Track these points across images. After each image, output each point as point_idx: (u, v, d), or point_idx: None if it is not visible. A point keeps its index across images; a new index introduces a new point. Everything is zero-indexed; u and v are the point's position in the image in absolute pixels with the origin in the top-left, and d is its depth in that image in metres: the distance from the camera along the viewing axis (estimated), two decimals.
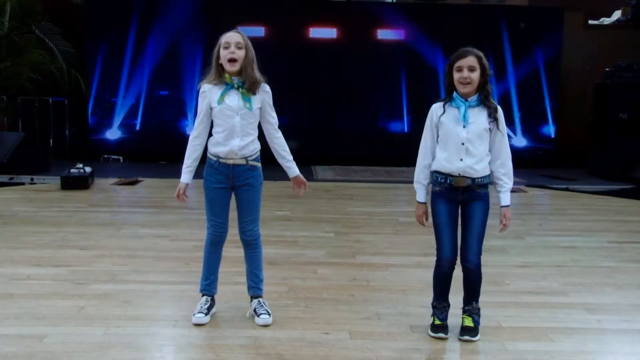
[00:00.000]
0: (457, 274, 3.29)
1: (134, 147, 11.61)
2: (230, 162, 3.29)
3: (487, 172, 3.25)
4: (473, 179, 3.20)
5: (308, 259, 4.84)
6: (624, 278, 4.45)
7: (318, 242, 5.38)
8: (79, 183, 7.92)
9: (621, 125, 10.49)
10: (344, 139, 11.48)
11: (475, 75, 3.10)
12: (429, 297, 3.89)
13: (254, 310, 3.44)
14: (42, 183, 8.53)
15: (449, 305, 3.33)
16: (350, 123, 11.60)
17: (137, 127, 11.69)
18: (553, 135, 11.78)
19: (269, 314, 3.40)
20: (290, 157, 3.50)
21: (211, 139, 3.35)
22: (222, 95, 3.23)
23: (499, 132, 3.18)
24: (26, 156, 9.14)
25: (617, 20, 12.05)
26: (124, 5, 11.39)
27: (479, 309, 3.28)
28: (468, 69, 3.09)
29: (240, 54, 3.20)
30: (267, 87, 3.36)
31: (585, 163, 10.87)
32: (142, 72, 11.43)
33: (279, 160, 3.52)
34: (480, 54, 3.19)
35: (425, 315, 3.59)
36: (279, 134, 3.46)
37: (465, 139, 3.13)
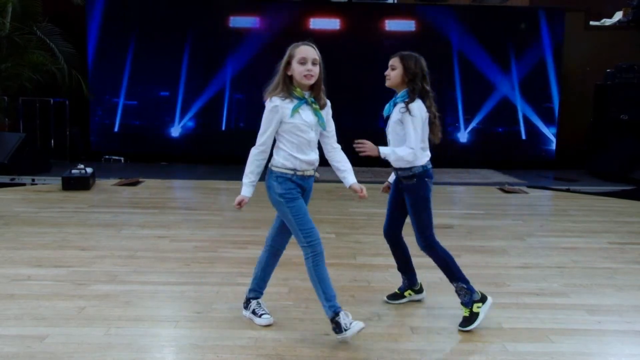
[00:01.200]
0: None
1: (135, 148, 11.63)
2: (307, 174, 3.27)
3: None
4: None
5: None
6: (625, 279, 4.45)
7: None
8: (79, 184, 7.93)
9: (622, 126, 10.50)
10: (345, 140, 11.45)
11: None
12: (429, 298, 3.90)
13: (253, 311, 3.48)
14: (43, 184, 8.54)
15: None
16: (351, 123, 11.60)
17: (138, 128, 11.71)
18: (554, 136, 11.78)
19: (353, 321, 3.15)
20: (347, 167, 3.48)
21: (280, 152, 3.23)
22: (296, 109, 3.14)
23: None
24: (27, 157, 9.15)
25: (618, 21, 12.06)
26: (124, 6, 11.42)
27: (461, 289, 3.41)
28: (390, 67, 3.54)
29: (316, 70, 3.15)
30: (329, 103, 3.35)
31: (586, 164, 10.87)
32: (143, 73, 11.46)
33: (338, 169, 3.51)
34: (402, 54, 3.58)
35: (425, 316, 3.60)
36: (338, 146, 3.49)
37: None
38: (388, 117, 3.63)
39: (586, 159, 10.93)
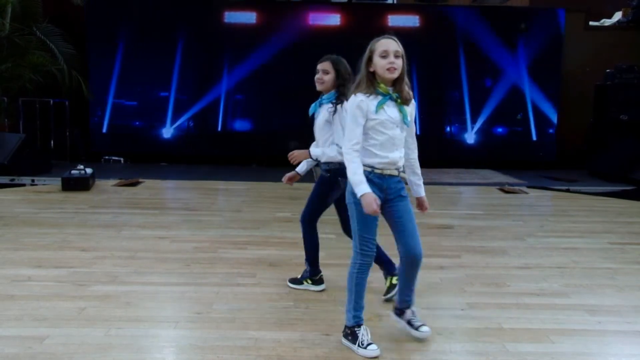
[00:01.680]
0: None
1: (135, 149, 11.63)
2: (387, 172, 3.08)
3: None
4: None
5: None
6: (625, 279, 4.45)
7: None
8: (79, 184, 7.93)
9: (622, 126, 10.51)
10: None
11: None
12: (429, 298, 3.90)
13: (409, 321, 3.25)
14: (43, 184, 8.54)
15: None
16: None
17: (138, 129, 11.71)
18: (554, 137, 11.78)
19: (425, 324, 3.20)
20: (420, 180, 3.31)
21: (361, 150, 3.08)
22: (381, 105, 3.00)
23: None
24: (27, 157, 9.15)
25: (618, 21, 12.07)
26: (124, 6, 11.42)
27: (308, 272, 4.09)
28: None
29: (399, 63, 2.98)
30: (413, 101, 3.13)
31: (586, 164, 10.87)
32: (143, 73, 11.46)
33: (410, 176, 3.32)
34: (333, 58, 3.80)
35: (426, 316, 3.59)
36: (416, 151, 3.28)
37: None
38: (313, 116, 3.95)
39: (586, 159, 10.94)
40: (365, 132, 3.02)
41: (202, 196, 8.08)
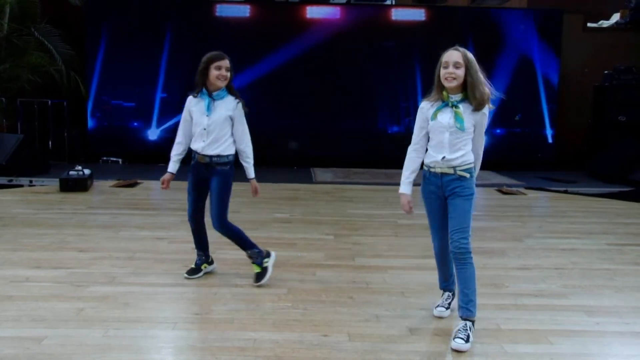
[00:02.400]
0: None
1: (133, 149, 11.61)
2: (438, 170, 3.35)
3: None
4: None
5: (307, 261, 4.84)
6: (624, 280, 4.45)
7: (317, 245, 5.38)
8: (78, 185, 7.92)
9: (620, 127, 10.51)
10: (344, 141, 11.49)
11: None
12: (428, 299, 3.90)
13: (457, 332, 3.21)
14: (41, 185, 8.53)
15: None
16: (349, 125, 11.62)
17: (136, 129, 11.69)
18: (552, 138, 11.79)
19: (466, 340, 3.14)
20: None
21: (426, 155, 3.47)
22: (436, 111, 3.34)
23: None
24: (25, 158, 9.14)
25: (616, 22, 12.08)
26: (122, 7, 11.41)
27: (253, 253, 4.16)
28: None
29: (458, 73, 3.24)
30: (487, 109, 3.36)
31: (584, 165, 10.88)
32: (141, 74, 11.44)
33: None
34: None
35: (424, 317, 3.60)
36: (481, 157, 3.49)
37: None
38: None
39: (585, 161, 10.94)
40: (429, 134, 3.40)
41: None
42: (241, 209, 7.06)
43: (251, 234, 5.67)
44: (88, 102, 11.20)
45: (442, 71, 3.28)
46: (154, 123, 11.57)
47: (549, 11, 11.71)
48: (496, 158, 11.61)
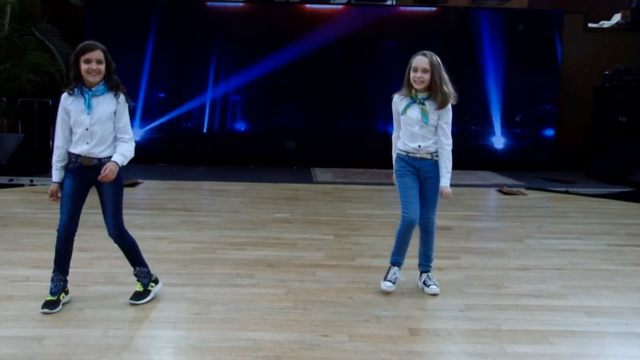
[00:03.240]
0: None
1: (134, 149, 11.59)
2: (418, 156, 3.91)
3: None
4: None
5: (307, 261, 4.84)
6: (624, 281, 4.45)
7: (317, 245, 5.38)
8: None
9: (621, 128, 10.51)
10: (344, 141, 11.48)
11: None
12: (427, 299, 3.90)
13: (424, 282, 4.07)
14: (42, 185, 8.53)
15: None
16: (349, 125, 11.62)
17: (137, 129, 11.69)
18: (552, 138, 11.78)
19: (436, 285, 4.02)
20: (445, 171, 3.92)
21: (399, 140, 4.01)
22: (406, 107, 3.90)
23: None
24: (26, 158, 9.14)
25: (617, 23, 12.08)
26: (123, 6, 11.41)
27: (141, 272, 3.83)
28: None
29: (426, 77, 3.78)
30: (449, 107, 3.89)
31: (584, 166, 10.87)
32: (141, 74, 11.43)
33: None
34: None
35: (424, 317, 3.60)
36: (447, 146, 3.92)
37: None
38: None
39: (585, 161, 10.94)
40: (401, 125, 3.97)
41: (201, 197, 8.08)
42: (241, 209, 7.07)
43: (251, 234, 5.71)
44: None
45: (412, 74, 3.82)
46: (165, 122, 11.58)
47: (550, 11, 11.70)
48: (497, 158, 11.64)
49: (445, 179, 3.89)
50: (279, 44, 11.22)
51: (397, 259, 4.06)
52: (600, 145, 10.64)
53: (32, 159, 9.35)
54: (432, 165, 3.91)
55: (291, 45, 11.32)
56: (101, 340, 3.16)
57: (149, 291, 3.80)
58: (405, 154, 3.96)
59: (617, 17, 12.09)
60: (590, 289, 4.24)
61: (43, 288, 3.98)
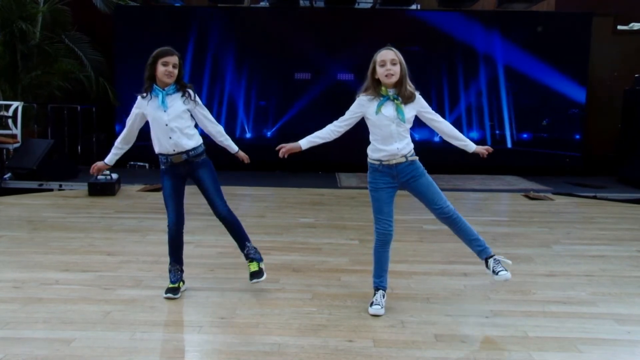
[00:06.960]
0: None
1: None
2: (393, 162, 3.62)
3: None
4: None
5: (332, 266, 4.83)
6: None
7: (342, 249, 5.37)
8: (105, 189, 8.04)
9: None
10: (343, 140, 11.43)
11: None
12: (453, 305, 3.87)
13: (492, 270, 3.64)
14: (70, 189, 8.68)
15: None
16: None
17: None
18: (581, 143, 11.60)
19: (506, 270, 3.61)
20: (465, 138, 3.77)
21: (370, 147, 3.74)
22: (380, 106, 3.59)
23: None
24: (55, 163, 9.30)
25: None
26: (151, 13, 11.58)
27: (252, 248, 4.07)
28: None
29: (395, 69, 3.54)
30: (418, 96, 3.65)
31: (614, 170, 10.68)
32: None
33: (453, 142, 3.81)
34: None
35: (450, 323, 3.56)
36: (448, 124, 3.78)
37: None
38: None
39: (615, 166, 10.74)
40: (370, 129, 3.69)
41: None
42: (266, 213, 7.10)
43: (276, 239, 5.73)
44: (117, 108, 11.36)
45: (381, 69, 3.55)
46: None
47: (578, 14, 11.54)
48: (523, 163, 11.50)
49: (471, 143, 3.76)
50: (305, 49, 11.28)
51: (379, 282, 3.79)
52: (630, 150, 10.42)
53: (61, 164, 9.51)
54: (408, 166, 3.63)
55: (316, 50, 11.36)
56: (128, 343, 3.20)
57: (262, 269, 4.04)
58: (378, 162, 3.67)
59: None
60: (621, 296, 4.15)
61: (72, 291, 4.06)
